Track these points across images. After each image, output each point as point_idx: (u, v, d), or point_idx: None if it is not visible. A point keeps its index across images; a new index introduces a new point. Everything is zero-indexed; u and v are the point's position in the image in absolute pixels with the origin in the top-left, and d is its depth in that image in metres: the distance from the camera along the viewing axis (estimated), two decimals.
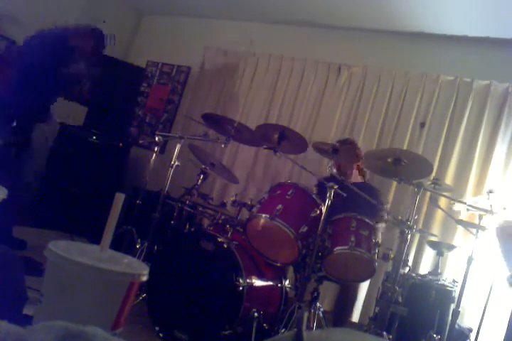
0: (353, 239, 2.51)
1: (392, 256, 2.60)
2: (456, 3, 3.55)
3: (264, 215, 2.54)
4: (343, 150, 2.86)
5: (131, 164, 4.90)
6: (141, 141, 5.16)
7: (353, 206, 2.84)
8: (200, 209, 3.36)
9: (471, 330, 3.10)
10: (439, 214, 3.75)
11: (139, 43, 5.75)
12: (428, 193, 3.53)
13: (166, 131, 5.20)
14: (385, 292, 2.58)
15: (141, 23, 5.82)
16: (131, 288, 0.97)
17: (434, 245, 3.22)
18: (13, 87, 3.05)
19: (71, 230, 3.99)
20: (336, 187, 2.51)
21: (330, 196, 2.50)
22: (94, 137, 4.55)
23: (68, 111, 4.71)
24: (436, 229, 3.74)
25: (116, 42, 3.53)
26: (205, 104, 4.93)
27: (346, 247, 2.50)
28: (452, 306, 2.90)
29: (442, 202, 3.57)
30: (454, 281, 3.04)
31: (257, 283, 2.59)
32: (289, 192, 2.61)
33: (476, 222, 2.99)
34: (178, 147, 3.21)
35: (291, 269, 3.13)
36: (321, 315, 2.68)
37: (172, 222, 3.40)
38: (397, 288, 2.54)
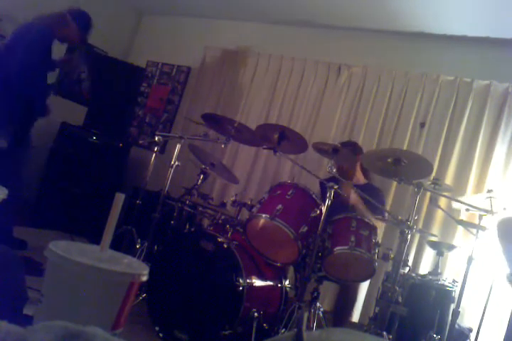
0: (353, 239, 2.51)
1: (392, 256, 2.60)
2: (456, 3, 3.55)
3: (264, 215, 2.54)
4: (343, 153, 2.86)
5: (131, 164, 4.90)
6: (141, 141, 5.16)
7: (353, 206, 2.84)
8: (200, 209, 3.36)
9: (471, 330, 3.10)
10: (439, 214, 3.75)
11: (139, 43, 5.75)
12: (428, 193, 3.53)
13: (166, 131, 5.20)
14: (385, 292, 2.58)
15: (141, 23, 5.81)
16: (131, 288, 0.97)
17: (434, 245, 3.22)
18: (8, 85, 3.04)
19: (71, 230, 3.99)
20: (336, 187, 2.51)
21: (330, 196, 2.50)
22: (94, 137, 4.55)
23: (67, 111, 4.71)
24: (436, 229, 3.74)
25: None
26: (205, 104, 4.93)
27: (346, 247, 2.50)
28: (452, 306, 2.90)
29: (442, 202, 3.58)
30: (454, 281, 3.04)
31: (257, 283, 2.59)
32: (289, 192, 2.61)
33: (476, 222, 2.99)
34: (178, 147, 3.21)
35: (291, 269, 3.13)
36: (321, 315, 2.68)
37: (172, 222, 3.40)
38: (397, 288, 2.54)
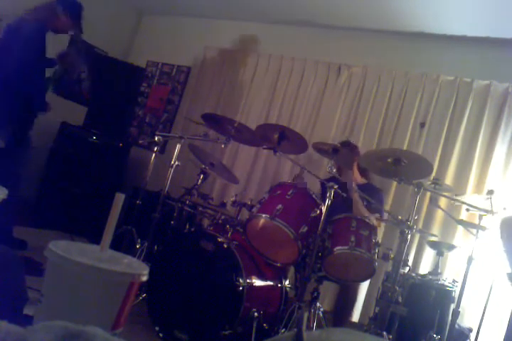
0: (353, 239, 2.51)
1: (392, 256, 2.60)
2: (456, 3, 3.55)
3: (264, 215, 2.54)
4: (343, 153, 2.86)
5: (131, 164, 4.90)
6: (141, 141, 5.16)
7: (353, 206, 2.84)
8: (200, 209, 3.36)
9: (471, 330, 3.10)
10: (439, 214, 3.75)
11: (139, 43, 5.75)
12: (428, 193, 3.53)
13: (166, 131, 5.21)
14: (385, 292, 2.58)
15: (141, 23, 5.82)
16: (131, 288, 0.97)
17: (434, 245, 3.22)
18: (6, 83, 3.03)
19: (71, 230, 3.99)
20: (336, 187, 2.51)
21: (330, 196, 2.50)
22: (94, 137, 4.55)
23: (67, 111, 4.71)
24: (436, 229, 3.74)
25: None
26: (205, 104, 4.93)
27: (346, 247, 2.50)
28: (452, 306, 2.90)
29: (442, 202, 3.58)
30: (454, 281, 3.04)
31: (257, 283, 2.59)
32: (289, 192, 2.61)
33: (476, 222, 2.98)
34: (178, 147, 3.21)
35: (291, 269, 3.13)
36: (321, 315, 2.68)
37: (172, 222, 3.39)
38: (397, 288, 2.54)
